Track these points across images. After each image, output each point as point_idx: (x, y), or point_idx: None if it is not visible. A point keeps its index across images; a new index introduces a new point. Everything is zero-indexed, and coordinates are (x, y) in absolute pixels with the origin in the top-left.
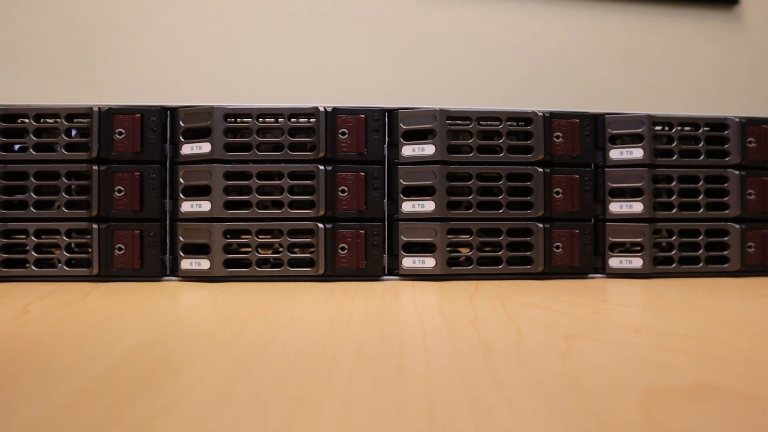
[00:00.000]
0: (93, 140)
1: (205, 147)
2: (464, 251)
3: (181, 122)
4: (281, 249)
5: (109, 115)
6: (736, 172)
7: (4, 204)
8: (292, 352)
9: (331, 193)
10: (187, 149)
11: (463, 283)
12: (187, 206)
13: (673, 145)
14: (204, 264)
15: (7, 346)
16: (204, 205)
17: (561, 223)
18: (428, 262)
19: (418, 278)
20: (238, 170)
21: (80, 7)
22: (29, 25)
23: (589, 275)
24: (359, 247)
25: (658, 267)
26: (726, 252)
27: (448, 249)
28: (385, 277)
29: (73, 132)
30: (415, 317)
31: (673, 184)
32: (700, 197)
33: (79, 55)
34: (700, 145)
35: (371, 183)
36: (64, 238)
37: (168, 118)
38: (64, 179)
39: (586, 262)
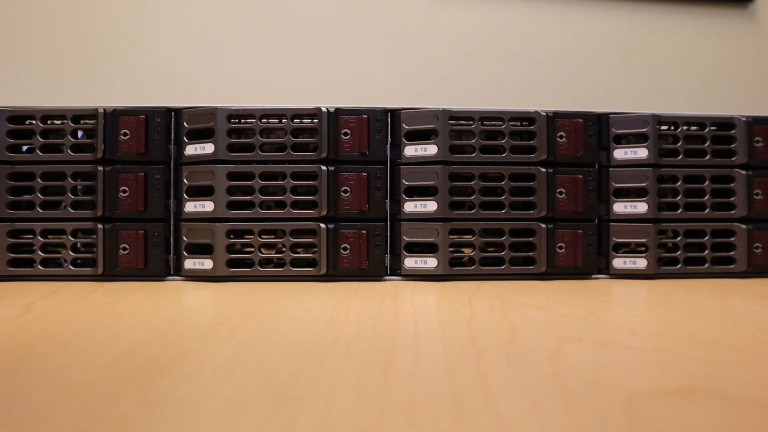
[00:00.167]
0: (98, 141)
1: (208, 148)
2: (467, 251)
3: (185, 123)
4: (284, 249)
5: (114, 117)
6: (743, 172)
7: (11, 204)
8: (283, 351)
9: (334, 194)
10: (191, 150)
11: (465, 284)
12: (191, 206)
13: (679, 144)
14: (207, 264)
15: (5, 343)
16: (207, 206)
17: (564, 223)
18: (430, 263)
19: (421, 278)
20: (241, 171)
21: (85, 10)
22: (36, 28)
23: (593, 276)
24: (361, 248)
25: (663, 268)
26: (732, 253)
27: (450, 249)
28: (387, 278)
29: (80, 133)
30: (411, 317)
31: (679, 184)
32: (706, 197)
33: (84, 56)
34: (706, 144)
35: (373, 183)
36: (70, 237)
37: (172, 119)
38: (69, 180)
39: (589, 262)
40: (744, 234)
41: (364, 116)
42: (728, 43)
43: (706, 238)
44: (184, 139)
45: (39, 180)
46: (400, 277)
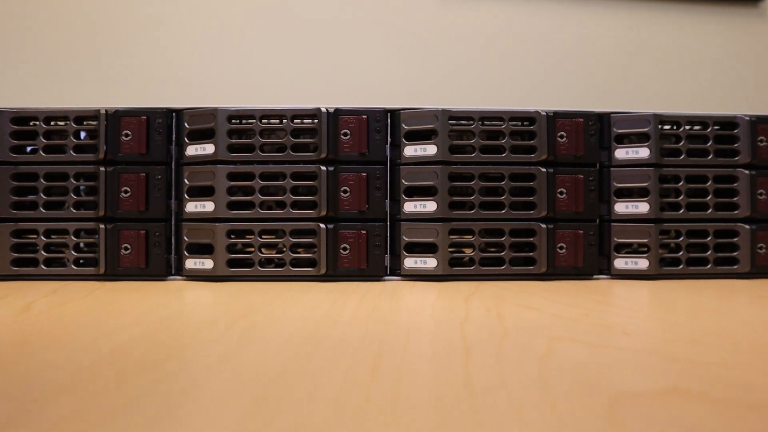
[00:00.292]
0: (100, 142)
1: (209, 148)
2: (468, 252)
3: (186, 124)
4: (284, 249)
5: (116, 117)
6: (746, 172)
7: (14, 204)
8: (271, 350)
9: (333, 194)
10: (192, 150)
11: (464, 284)
12: (192, 207)
13: (681, 144)
14: (208, 264)
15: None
16: (208, 206)
17: (565, 223)
18: (430, 263)
19: (420, 279)
20: (241, 171)
21: (88, 13)
22: (40, 31)
23: (594, 276)
24: (361, 248)
25: (665, 268)
26: (735, 253)
27: (450, 249)
28: (387, 278)
29: (83, 134)
30: (405, 317)
31: (681, 183)
32: (709, 197)
33: (87, 57)
34: (709, 144)
35: (373, 183)
36: (73, 237)
37: (173, 120)
38: (72, 180)
39: (590, 263)
40: (747, 234)
41: (364, 116)
42: (732, 41)
43: (709, 238)
44: (185, 139)
45: (42, 180)
46: (399, 278)
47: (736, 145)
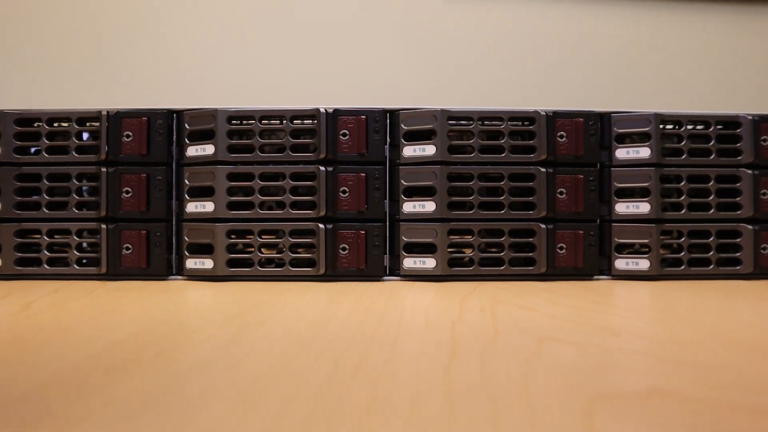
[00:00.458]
0: (102, 143)
1: (209, 149)
2: (467, 252)
3: (186, 125)
4: (283, 249)
5: (117, 119)
6: (749, 172)
7: (18, 205)
8: (259, 350)
9: (332, 194)
10: (192, 151)
11: (463, 284)
12: (192, 207)
13: (683, 144)
14: (208, 263)
15: None
16: (208, 206)
17: (565, 223)
18: (429, 263)
19: (420, 279)
20: (240, 171)
21: (90, 15)
22: (41, 33)
23: (595, 277)
24: (360, 248)
25: (667, 269)
26: (738, 254)
27: (450, 250)
28: (386, 278)
29: (85, 135)
30: (398, 317)
31: (683, 183)
32: (711, 197)
33: (89, 58)
34: (711, 143)
35: (372, 183)
36: (75, 237)
37: (174, 121)
38: (75, 181)
39: (590, 263)
40: (750, 235)
41: (363, 117)
42: (734, 39)
43: (711, 238)
44: (186, 140)
45: (45, 181)
46: (399, 278)
47: (738, 144)
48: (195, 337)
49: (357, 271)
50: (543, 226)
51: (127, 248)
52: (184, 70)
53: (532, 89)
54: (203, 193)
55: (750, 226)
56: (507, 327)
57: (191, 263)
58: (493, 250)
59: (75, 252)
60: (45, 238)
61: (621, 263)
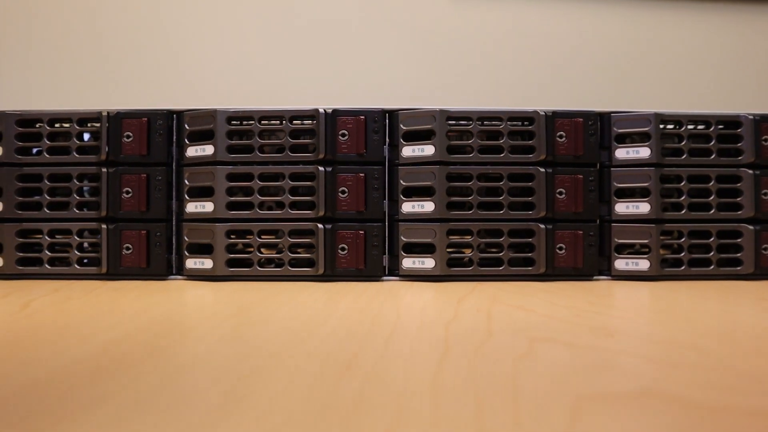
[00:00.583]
0: (102, 143)
1: (208, 149)
2: (467, 252)
3: (186, 125)
4: (282, 249)
5: (118, 119)
6: (750, 172)
7: (20, 205)
8: (252, 349)
9: (331, 194)
10: (192, 151)
11: (461, 284)
12: (192, 207)
13: (683, 143)
14: (207, 263)
15: None
16: (207, 206)
17: (564, 224)
18: (428, 263)
19: (419, 279)
20: (240, 172)
21: (91, 17)
22: (41, 34)
23: (594, 277)
24: (359, 248)
25: (667, 269)
26: (739, 254)
27: (449, 250)
28: (385, 278)
29: (86, 136)
30: (394, 318)
31: (683, 183)
32: (711, 197)
33: (90, 61)
34: (712, 143)
35: (371, 184)
36: (76, 237)
37: (174, 122)
38: (75, 181)
39: (590, 263)
40: (751, 235)
41: (362, 117)
42: (735, 38)
43: (712, 239)
44: (186, 140)
45: (46, 181)
46: (398, 278)
47: (739, 144)
48: (189, 337)
49: (356, 271)
50: (542, 226)
51: (128, 248)
52: (185, 70)
53: (534, 89)
54: (203, 193)
55: (751, 227)
56: (501, 327)
57: (191, 263)
58: (493, 250)
59: (76, 252)
60: (46, 238)
61: (621, 263)
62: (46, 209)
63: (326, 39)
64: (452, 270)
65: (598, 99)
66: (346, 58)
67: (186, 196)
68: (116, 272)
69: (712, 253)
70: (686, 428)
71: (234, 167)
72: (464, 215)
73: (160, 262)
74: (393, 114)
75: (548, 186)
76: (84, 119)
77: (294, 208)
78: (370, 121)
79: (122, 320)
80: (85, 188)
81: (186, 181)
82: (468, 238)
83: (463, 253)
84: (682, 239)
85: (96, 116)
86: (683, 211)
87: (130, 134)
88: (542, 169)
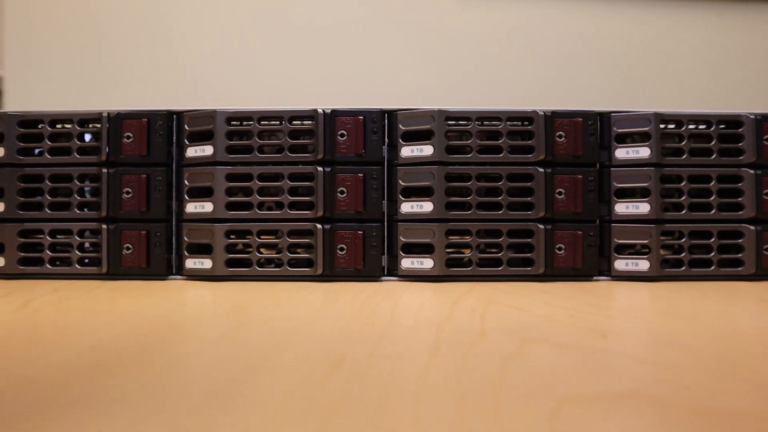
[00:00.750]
0: (102, 144)
1: (208, 150)
2: (466, 252)
3: (186, 126)
4: (282, 249)
5: (118, 120)
6: (752, 171)
7: (21, 205)
8: (241, 349)
9: (330, 195)
10: (192, 152)
11: (460, 285)
12: (192, 207)
13: (683, 143)
14: (207, 263)
15: None
16: (207, 206)
17: (564, 224)
18: (427, 263)
19: (418, 279)
20: (239, 172)
21: (92, 19)
22: (43, 36)
23: (594, 278)
24: (357, 248)
25: (667, 270)
26: (740, 255)
27: (448, 250)
28: (384, 278)
29: (88, 137)
30: (388, 318)
31: (683, 183)
32: (712, 197)
33: (93, 62)
34: (713, 143)
35: (370, 184)
36: (77, 237)
37: (174, 122)
38: (76, 182)
39: (590, 264)
40: (753, 235)
41: (361, 117)
42: (736, 37)
43: (713, 239)
44: (185, 141)
45: (47, 182)
46: (397, 278)
47: (740, 144)
48: (181, 336)
49: (355, 272)
50: (541, 226)
51: (128, 248)
52: (188, 71)
53: (536, 88)
54: (202, 193)
55: (752, 227)
56: (494, 327)
57: (191, 263)
58: (494, 250)
59: (77, 252)
60: (47, 238)
61: (621, 264)
62: (47, 209)
63: (331, 40)
64: (451, 270)
65: (599, 98)
66: (350, 58)
67: (186, 196)
68: (116, 272)
69: (712, 254)
70: (664, 430)
71: (233, 167)
72: (463, 215)
73: (160, 262)
74: (392, 114)
75: (547, 186)
76: (85, 120)
77: (293, 209)
78: (368, 122)
79: (117, 320)
80: (86, 189)
81: (186, 182)
82: (467, 239)
83: (462, 253)
84: (683, 240)
85: (96, 117)
86: (684, 212)
87: (131, 135)
88: (541, 169)
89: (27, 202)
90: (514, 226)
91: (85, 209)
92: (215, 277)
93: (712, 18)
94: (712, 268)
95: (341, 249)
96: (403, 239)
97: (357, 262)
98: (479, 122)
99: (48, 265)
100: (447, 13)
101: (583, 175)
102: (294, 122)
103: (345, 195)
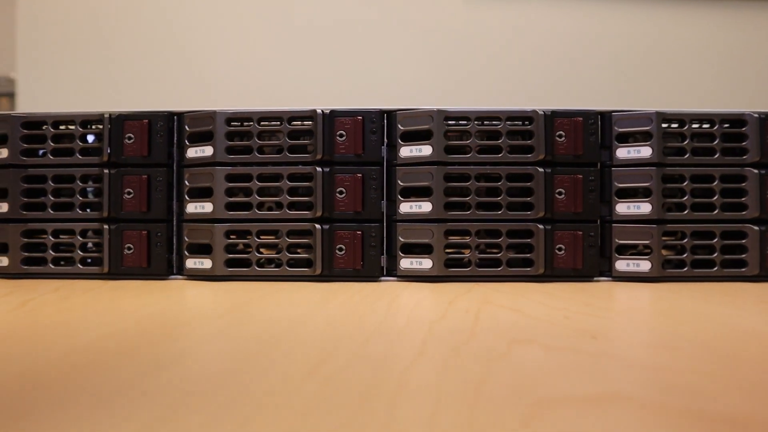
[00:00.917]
0: (104, 145)
1: (207, 150)
2: (466, 252)
3: (186, 127)
4: (281, 249)
5: (119, 121)
6: (755, 171)
7: (25, 206)
8: (228, 349)
9: (329, 195)
10: (192, 153)
11: (459, 285)
12: (192, 207)
13: (685, 142)
14: (206, 263)
15: None
16: (207, 207)
17: (564, 224)
18: (426, 264)
19: (416, 279)
20: (238, 173)
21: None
22: (56, 39)
23: (595, 278)
24: (356, 248)
25: (669, 270)
26: (743, 255)
27: (447, 250)
28: (383, 278)
29: (91, 138)
30: (381, 318)
31: (686, 183)
32: (715, 197)
33: (101, 65)
34: (716, 142)
35: (369, 184)
36: (79, 237)
37: (175, 123)
38: (78, 182)
39: (590, 264)
40: (756, 236)
41: (359, 118)
42: (739, 35)
43: (715, 240)
44: (186, 142)
45: (50, 182)
46: (395, 278)
47: (744, 143)
48: (171, 336)
49: (353, 272)
50: (541, 226)
51: (129, 248)
52: (191, 72)
53: (537, 88)
54: (203, 193)
55: (756, 227)
56: (485, 328)
57: (191, 263)
58: (494, 251)
59: (79, 252)
60: (50, 238)
61: (622, 265)
62: (50, 210)
63: (337, 40)
64: (450, 270)
65: (604, 98)
66: (353, 59)
67: (186, 196)
68: (118, 272)
69: (715, 254)
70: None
71: (233, 168)
72: (462, 216)
73: (160, 262)
74: (391, 114)
75: (547, 186)
76: (87, 121)
77: (292, 209)
78: (367, 122)
79: (112, 320)
80: (88, 189)
81: (186, 182)
82: (466, 239)
83: (462, 253)
84: (685, 240)
85: (98, 118)
86: (686, 212)
87: (132, 136)
88: (541, 169)
89: (30, 203)
90: (514, 226)
91: (88, 209)
92: (215, 277)
93: (715, 16)
94: (715, 269)
95: (340, 249)
96: (402, 239)
97: (356, 263)
98: (478, 122)
99: (51, 265)
100: (453, 13)
101: (583, 174)
102: (293, 123)
103: (344, 195)
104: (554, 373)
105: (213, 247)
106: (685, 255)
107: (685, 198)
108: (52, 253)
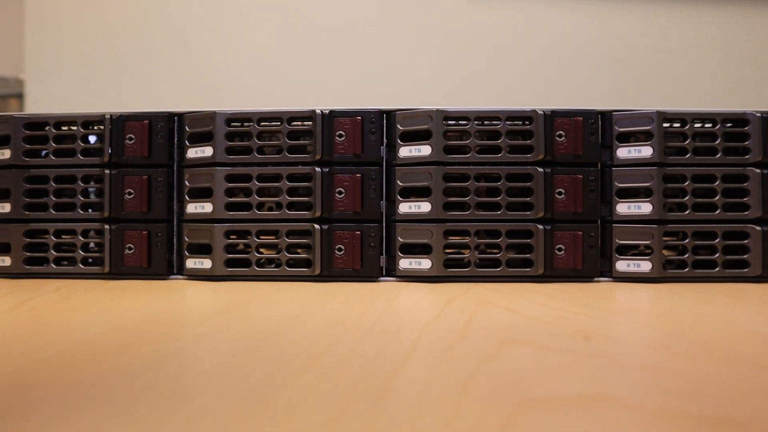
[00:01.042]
0: (105, 146)
1: (207, 151)
2: (465, 253)
3: (186, 127)
4: (281, 249)
5: (120, 122)
6: (757, 171)
7: (27, 206)
8: (217, 349)
9: (328, 195)
10: (192, 153)
11: (458, 285)
12: (192, 208)
13: (687, 142)
14: (206, 263)
15: None
16: (207, 207)
17: (564, 224)
18: (425, 264)
19: (416, 280)
20: (238, 173)
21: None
22: (62, 41)
23: (595, 279)
24: (355, 249)
25: (670, 271)
26: (746, 256)
27: (447, 251)
28: (382, 279)
29: (93, 138)
30: (375, 318)
31: (687, 183)
32: (717, 197)
33: (106, 66)
34: (717, 142)
35: (368, 184)
36: (80, 237)
37: (175, 124)
38: (80, 183)
39: (590, 265)
40: (759, 236)
41: (359, 118)
42: (741, 34)
43: (717, 240)
44: (186, 142)
45: (52, 183)
46: (395, 278)
47: (746, 142)
48: (164, 335)
49: (352, 272)
50: (541, 226)
51: (129, 248)
52: (194, 73)
53: (539, 87)
54: (203, 194)
55: (758, 227)
56: (478, 329)
57: (191, 263)
58: (494, 251)
59: (80, 252)
60: (52, 238)
61: (622, 265)
62: (52, 210)
63: (341, 41)
64: (449, 271)
65: (605, 97)
66: (355, 59)
67: (186, 197)
68: (119, 272)
69: (717, 255)
70: None
71: (233, 168)
72: (462, 216)
73: (161, 262)
74: (390, 114)
75: (547, 186)
76: (88, 122)
77: (291, 209)
78: (366, 122)
79: (109, 319)
80: (89, 189)
81: (186, 182)
82: (466, 239)
83: (461, 253)
84: (686, 240)
85: (99, 119)
86: (687, 212)
87: (133, 136)
88: (541, 169)
89: (32, 203)
90: (514, 226)
91: (89, 210)
92: (215, 277)
93: (717, 15)
94: (717, 269)
95: (339, 249)
96: (401, 240)
97: (355, 263)
98: (478, 122)
99: (53, 265)
100: (455, 13)
101: (583, 174)
102: (293, 123)
103: (343, 195)
104: (543, 374)
105: (213, 247)
106: (686, 255)
107: (687, 198)
108: (54, 253)
